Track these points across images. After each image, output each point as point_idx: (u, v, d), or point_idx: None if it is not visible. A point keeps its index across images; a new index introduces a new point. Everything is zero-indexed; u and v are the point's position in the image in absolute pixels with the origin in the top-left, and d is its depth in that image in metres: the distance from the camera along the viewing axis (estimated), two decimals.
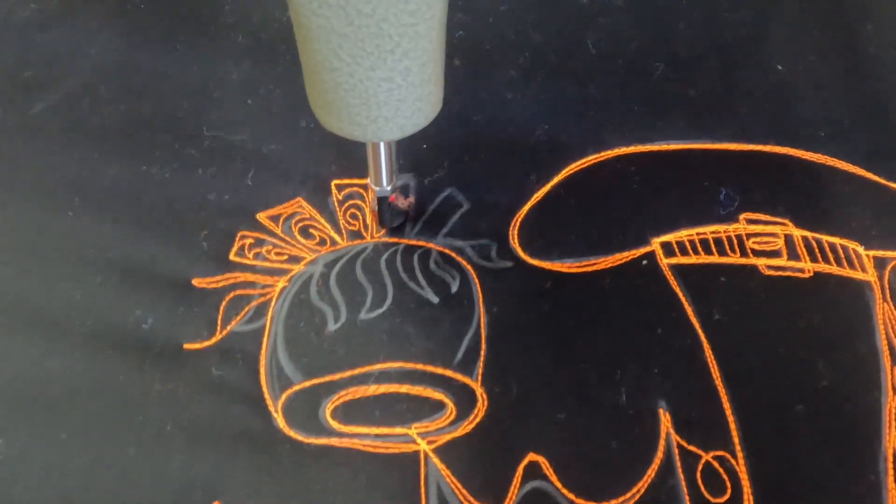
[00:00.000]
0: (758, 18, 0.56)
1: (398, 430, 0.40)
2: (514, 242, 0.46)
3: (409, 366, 0.41)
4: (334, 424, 0.40)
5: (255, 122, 0.51)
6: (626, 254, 0.45)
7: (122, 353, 0.41)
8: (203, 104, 0.52)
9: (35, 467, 0.38)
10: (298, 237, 0.46)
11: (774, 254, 0.45)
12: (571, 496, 0.38)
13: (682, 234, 0.46)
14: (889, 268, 0.45)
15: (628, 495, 0.38)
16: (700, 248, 0.46)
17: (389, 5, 0.31)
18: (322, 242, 0.46)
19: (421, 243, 0.46)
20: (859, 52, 0.54)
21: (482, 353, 0.42)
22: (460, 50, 0.54)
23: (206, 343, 0.42)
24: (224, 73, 0.53)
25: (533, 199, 0.48)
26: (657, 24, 0.56)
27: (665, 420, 0.40)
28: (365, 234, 0.46)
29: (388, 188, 0.43)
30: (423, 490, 0.38)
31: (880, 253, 0.45)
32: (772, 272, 0.45)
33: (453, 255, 0.45)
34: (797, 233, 0.46)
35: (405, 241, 0.46)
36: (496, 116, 0.51)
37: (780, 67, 0.53)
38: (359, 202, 0.48)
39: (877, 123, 0.50)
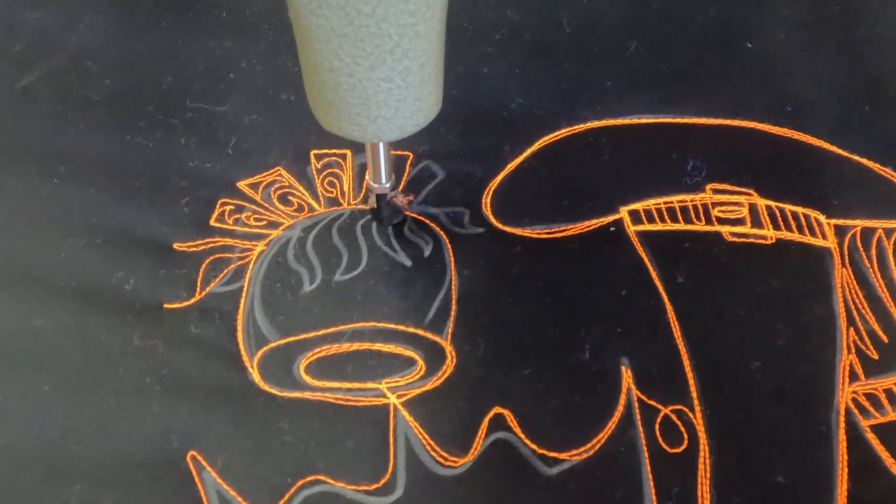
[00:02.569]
0: None
1: (369, 384, 0.41)
2: (487, 210, 0.47)
3: (382, 325, 0.43)
4: (308, 379, 0.41)
5: (237, 94, 0.52)
6: (594, 221, 0.47)
7: (105, 311, 0.43)
8: (187, 77, 0.53)
9: (19, 416, 0.40)
10: (277, 204, 0.48)
11: (738, 221, 0.47)
12: (534, 446, 0.39)
13: (650, 203, 0.48)
14: (849, 235, 0.46)
15: (588, 446, 0.39)
16: (667, 216, 0.47)
17: (389, 5, 0.32)
18: (300, 209, 0.47)
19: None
20: (827, 29, 0.55)
21: (452, 313, 0.43)
22: None
23: (186, 303, 0.43)
24: (208, 48, 0.54)
25: (506, 169, 0.49)
26: (631, 3, 0.57)
27: (627, 376, 0.41)
28: (342, 201, 0.48)
29: (387, 185, 0.44)
30: (391, 440, 0.39)
31: (841, 221, 0.47)
32: (735, 239, 0.46)
33: (427, 221, 0.47)
34: (761, 202, 0.47)
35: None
36: (472, 91, 0.53)
37: (749, 45, 0.55)
38: (336, 171, 0.49)
39: (841, 98, 0.52)
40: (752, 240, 0.46)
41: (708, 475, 0.39)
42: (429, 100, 0.37)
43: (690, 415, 0.40)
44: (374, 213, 0.46)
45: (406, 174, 0.49)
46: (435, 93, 0.37)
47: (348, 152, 0.50)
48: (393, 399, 0.41)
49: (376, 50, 0.33)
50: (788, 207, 0.47)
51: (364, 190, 0.48)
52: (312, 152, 0.50)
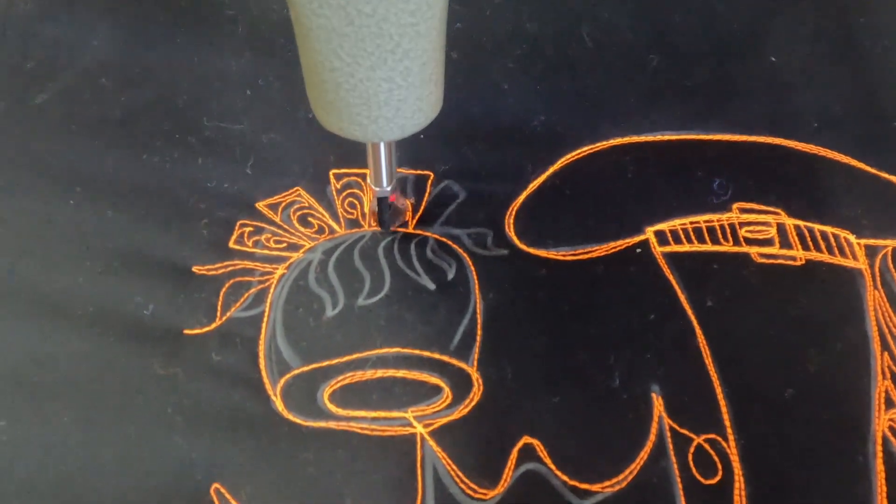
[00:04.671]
0: (753, 11, 0.56)
1: (395, 413, 0.40)
2: (510, 231, 0.47)
3: (406, 351, 0.42)
4: (332, 408, 0.40)
5: (254, 112, 0.51)
6: (619, 242, 0.46)
7: (124, 338, 0.42)
8: (203, 95, 0.52)
9: (37, 448, 0.39)
10: (297, 225, 0.47)
11: (767, 242, 0.46)
12: (565, 478, 0.38)
13: (676, 223, 0.47)
14: (880, 256, 0.45)
15: (620, 477, 0.38)
16: (693, 237, 0.46)
17: (390, 5, 0.31)
18: (320, 231, 0.47)
19: (418, 232, 0.46)
20: (853, 43, 0.54)
21: (478, 338, 0.43)
22: (458, 42, 0.54)
23: (206, 328, 0.43)
24: (224, 65, 0.54)
25: (529, 188, 0.48)
26: (653, 16, 0.56)
27: (658, 404, 0.40)
28: (363, 222, 0.47)
29: (388, 188, 0.43)
30: (419, 472, 0.39)
31: (871, 241, 0.46)
32: (764, 260, 0.45)
33: (450, 243, 0.46)
34: (789, 221, 0.47)
35: (403, 230, 0.46)
36: (493, 107, 0.52)
37: (773, 59, 0.54)
38: (357, 191, 0.48)
39: (869, 114, 0.51)
40: (781, 261, 0.45)
41: None
42: (430, 99, 0.36)
43: (724, 444, 0.39)
44: (376, 217, 0.45)
45: (427, 194, 0.48)
46: (436, 92, 0.37)
47: (368, 172, 0.49)
48: (420, 428, 0.40)
49: (377, 50, 0.33)
50: (817, 227, 0.46)
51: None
52: (332, 172, 0.49)
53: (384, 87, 0.34)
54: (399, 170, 0.48)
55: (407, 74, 0.34)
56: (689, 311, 0.43)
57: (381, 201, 0.44)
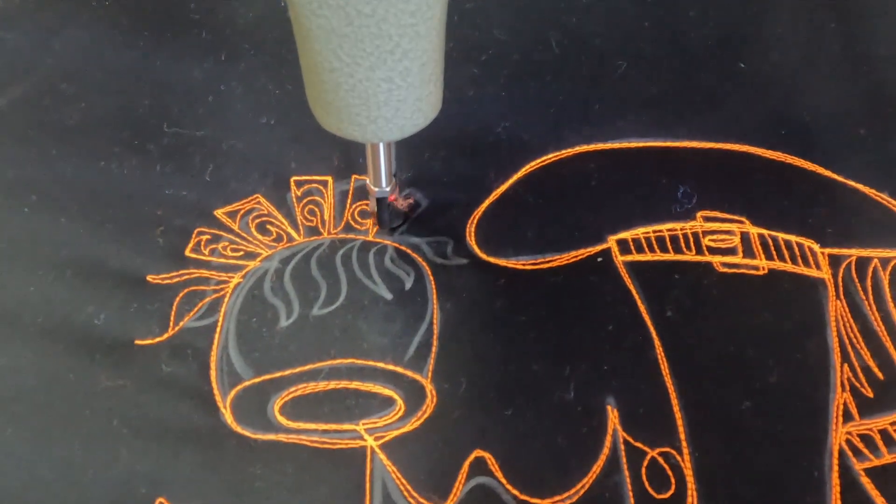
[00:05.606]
0: (722, 17, 0.56)
1: (346, 426, 0.40)
2: (471, 240, 0.46)
3: (360, 362, 0.41)
4: (282, 420, 0.40)
5: (215, 118, 0.51)
6: (581, 251, 0.46)
7: (73, 349, 0.41)
8: (164, 101, 0.52)
9: None
10: (255, 233, 0.46)
11: (730, 251, 0.45)
12: (515, 492, 0.38)
13: (639, 232, 0.46)
14: (844, 265, 0.45)
15: (572, 491, 0.38)
16: (656, 246, 0.46)
17: (389, 5, 0.31)
18: (279, 238, 0.46)
19: (377, 240, 0.46)
20: (822, 50, 0.54)
21: (433, 349, 0.42)
22: None
23: (158, 339, 0.42)
24: (186, 70, 0.53)
25: (491, 197, 0.48)
26: (621, 22, 0.56)
27: (613, 417, 0.40)
28: (322, 230, 0.46)
29: (388, 188, 0.43)
30: (367, 486, 0.38)
31: (836, 251, 0.45)
32: (726, 269, 0.45)
33: (409, 251, 0.45)
34: (753, 230, 0.46)
35: (362, 237, 0.46)
36: (457, 114, 0.51)
37: (742, 66, 0.53)
38: (317, 198, 0.48)
39: (835, 121, 0.51)
40: (743, 270, 0.45)
41: None
42: (429, 100, 0.36)
43: (678, 458, 0.39)
44: (376, 216, 0.45)
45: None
46: (435, 93, 0.37)
47: (329, 179, 0.48)
48: (370, 441, 0.39)
49: (376, 50, 0.33)
50: (781, 236, 0.46)
51: (345, 219, 0.47)
52: (293, 178, 0.48)
53: (383, 87, 0.34)
54: (356, 176, 0.47)
55: (406, 75, 0.34)
56: (649, 322, 0.43)
57: (381, 201, 0.44)
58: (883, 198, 0.47)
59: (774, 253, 0.45)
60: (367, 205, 0.47)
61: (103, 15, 0.55)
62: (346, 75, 0.34)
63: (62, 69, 0.53)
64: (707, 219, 0.47)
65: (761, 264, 0.45)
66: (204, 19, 0.56)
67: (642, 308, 0.43)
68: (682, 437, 0.39)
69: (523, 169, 0.49)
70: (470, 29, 0.55)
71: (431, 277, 0.45)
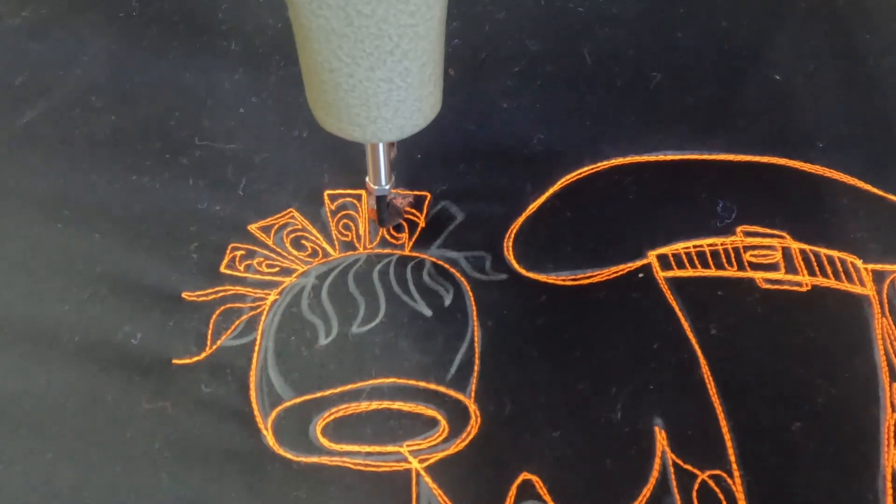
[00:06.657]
0: (757, 28, 0.55)
1: (390, 448, 0.39)
2: (509, 254, 0.45)
3: (402, 381, 0.41)
4: (325, 442, 0.39)
5: (247, 131, 0.50)
6: (621, 267, 0.45)
7: (111, 369, 0.41)
8: (195, 113, 0.51)
9: (19, 486, 0.38)
10: (290, 248, 0.46)
11: (772, 267, 0.45)
12: None
13: (679, 247, 0.46)
14: (888, 281, 0.44)
15: None
16: (697, 261, 0.45)
17: (389, 6, 0.31)
18: (314, 254, 0.45)
19: (414, 254, 0.45)
20: (858, 62, 0.53)
21: (475, 368, 0.41)
22: (456, 59, 0.53)
23: (196, 358, 0.41)
24: (217, 82, 0.52)
25: (528, 210, 0.47)
26: (655, 33, 0.55)
27: (661, 438, 0.39)
28: (357, 245, 0.46)
29: (387, 187, 0.43)
30: None
31: (879, 266, 0.45)
32: (769, 286, 0.44)
33: (447, 266, 0.45)
34: (795, 245, 0.45)
35: (398, 252, 0.45)
36: (491, 126, 0.51)
37: (778, 78, 0.53)
38: (352, 212, 0.47)
39: (875, 134, 0.50)
40: (786, 286, 0.44)
41: None
42: (429, 100, 0.36)
43: (729, 481, 0.38)
44: (375, 216, 0.45)
45: (424, 215, 0.47)
46: (435, 93, 0.37)
47: (363, 192, 0.48)
48: (415, 464, 0.38)
49: (376, 51, 0.33)
50: (823, 251, 0.45)
51: (380, 233, 0.46)
52: (326, 192, 0.48)
53: (383, 87, 0.34)
54: (396, 190, 0.47)
55: (406, 75, 0.34)
56: (693, 340, 0.42)
57: (380, 200, 0.44)
58: None
59: (817, 269, 0.45)
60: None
61: (132, 26, 0.55)
62: (346, 75, 0.34)
63: (91, 81, 0.52)
64: (747, 233, 0.46)
65: (804, 280, 0.44)
66: (232, 30, 0.55)
67: (686, 325, 0.43)
68: (733, 459, 0.38)
69: (560, 182, 0.48)
70: (502, 39, 0.55)
71: (471, 293, 0.44)
